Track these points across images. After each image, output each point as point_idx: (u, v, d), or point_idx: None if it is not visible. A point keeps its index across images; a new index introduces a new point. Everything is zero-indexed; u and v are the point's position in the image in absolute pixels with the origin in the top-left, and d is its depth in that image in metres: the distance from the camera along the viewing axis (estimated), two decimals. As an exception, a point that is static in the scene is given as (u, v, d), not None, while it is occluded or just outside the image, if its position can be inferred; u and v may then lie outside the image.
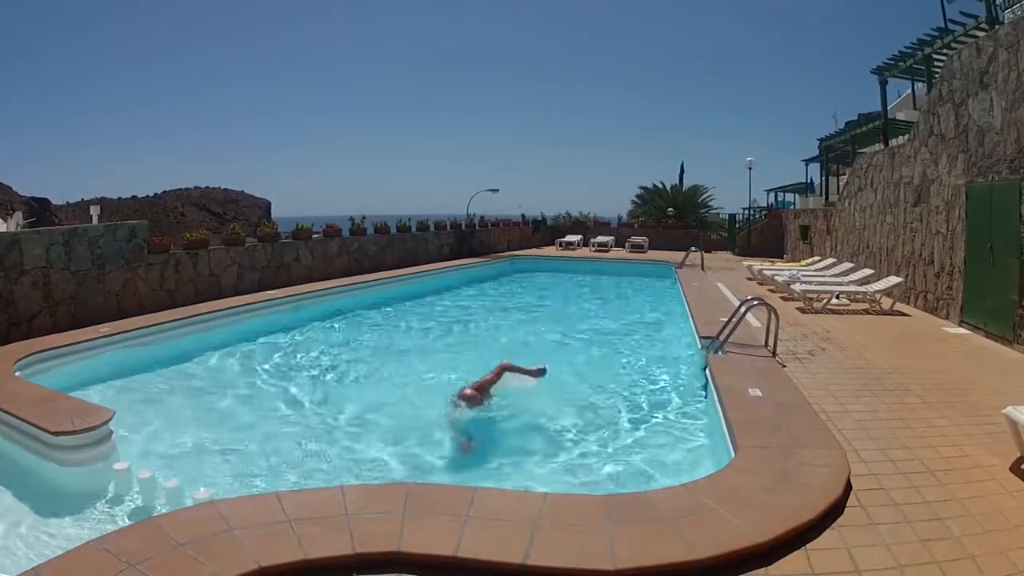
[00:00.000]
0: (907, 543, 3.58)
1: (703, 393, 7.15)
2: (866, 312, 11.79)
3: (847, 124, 23.35)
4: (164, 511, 4.29)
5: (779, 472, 4.36)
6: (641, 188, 34.81)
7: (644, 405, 7.29)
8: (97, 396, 7.04)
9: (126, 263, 10.55)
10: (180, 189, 44.62)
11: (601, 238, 26.15)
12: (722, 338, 8.08)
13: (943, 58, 14.38)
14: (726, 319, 8.37)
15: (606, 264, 22.50)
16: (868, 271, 13.82)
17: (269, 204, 46.86)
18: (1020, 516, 3.91)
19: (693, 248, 20.48)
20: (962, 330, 9.95)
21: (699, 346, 8.57)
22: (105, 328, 9.08)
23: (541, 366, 8.07)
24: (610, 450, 6.02)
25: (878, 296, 12.13)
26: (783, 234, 25.83)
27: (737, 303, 9.83)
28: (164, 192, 44.11)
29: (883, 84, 19.14)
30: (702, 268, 19.01)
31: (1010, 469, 4.61)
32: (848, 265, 15.29)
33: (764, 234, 26.76)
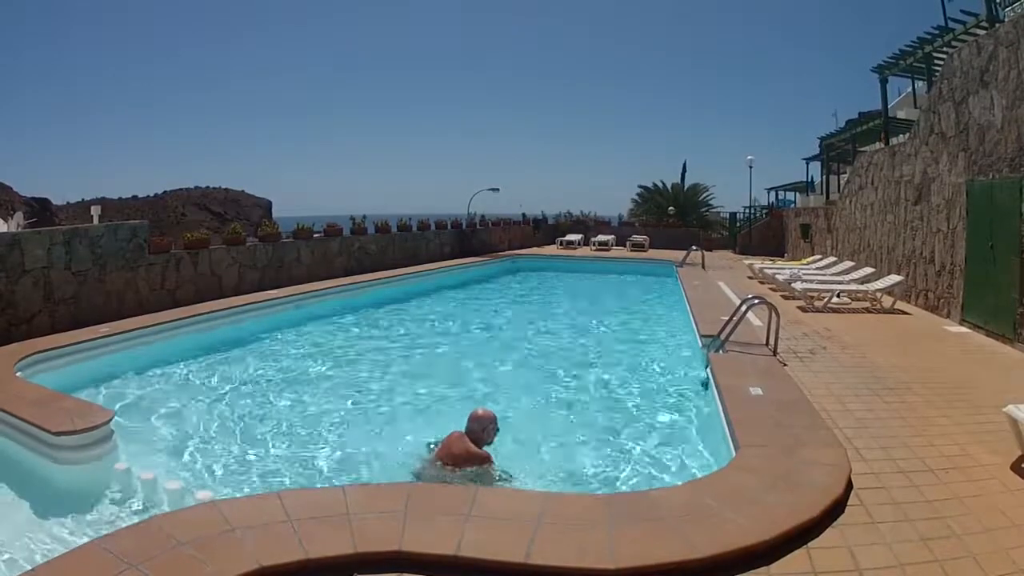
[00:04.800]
0: (908, 541, 3.58)
1: (704, 392, 7.14)
2: (867, 311, 11.78)
3: (848, 123, 23.34)
4: (165, 511, 4.29)
5: (780, 471, 4.36)
6: (641, 187, 34.89)
7: (645, 404, 7.29)
8: (98, 396, 7.05)
9: (127, 263, 10.56)
10: (181, 189, 44.65)
11: (602, 237, 26.14)
12: (723, 337, 8.08)
13: (943, 56, 14.37)
14: (727, 318, 8.36)
15: (607, 263, 22.51)
16: (869, 270, 13.81)
17: (270, 204, 46.87)
18: (1021, 514, 3.90)
19: (694, 247, 20.47)
20: (963, 329, 9.94)
21: (700, 345, 8.57)
22: (106, 328, 9.07)
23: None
24: (611, 449, 6.02)
25: (879, 295, 12.13)
26: (784, 233, 25.83)
27: (738, 302, 9.82)
28: (165, 192, 44.14)
29: (883, 82, 19.13)
30: (703, 267, 19.00)
31: (1011, 467, 4.61)
32: (849, 264, 15.29)
33: (765, 233, 26.75)
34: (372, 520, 3.63)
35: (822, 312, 11.59)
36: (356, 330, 11.70)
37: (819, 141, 26.34)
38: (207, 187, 45.41)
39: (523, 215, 28.81)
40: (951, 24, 15.00)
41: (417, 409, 7.27)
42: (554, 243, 27.27)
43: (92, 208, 14.81)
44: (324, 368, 8.92)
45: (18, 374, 7.03)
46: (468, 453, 5.23)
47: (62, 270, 9.53)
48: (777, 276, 14.50)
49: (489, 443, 5.41)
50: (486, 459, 5.23)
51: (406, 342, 10.85)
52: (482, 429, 5.33)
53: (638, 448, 6.00)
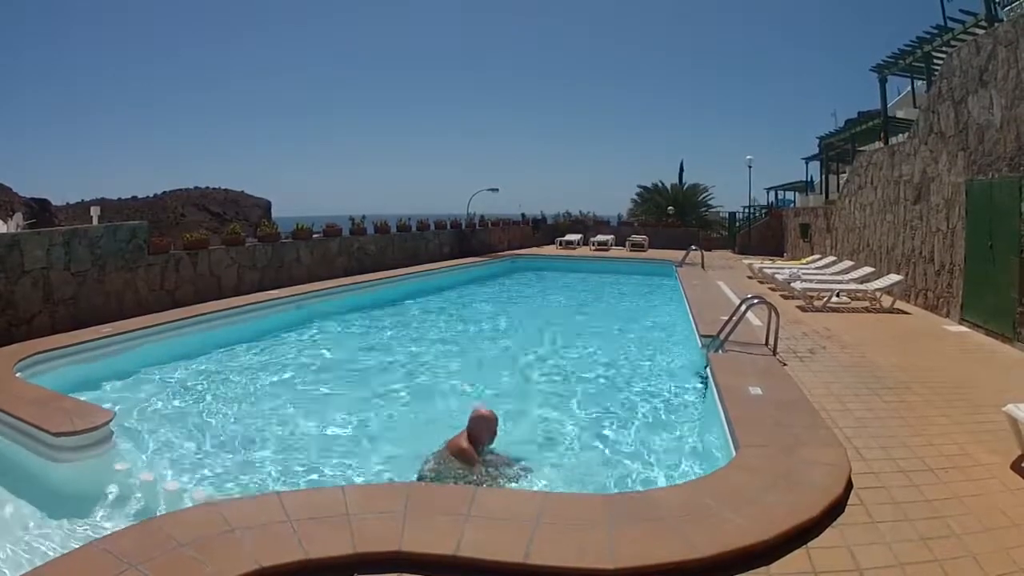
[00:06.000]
0: (908, 541, 3.58)
1: (704, 391, 7.14)
2: (866, 310, 11.78)
3: (847, 122, 23.34)
4: (165, 511, 4.29)
5: (780, 471, 4.36)
6: (640, 187, 34.86)
7: (644, 404, 7.29)
8: (97, 396, 7.04)
9: (126, 264, 10.55)
10: (180, 189, 44.52)
11: (601, 237, 26.15)
12: (723, 336, 8.08)
13: (943, 56, 14.38)
14: (726, 317, 8.37)
15: (606, 263, 22.52)
16: (868, 269, 13.81)
17: (269, 204, 46.73)
18: (1021, 514, 3.90)
19: (693, 247, 20.47)
20: (962, 328, 9.94)
21: (700, 344, 8.57)
22: (105, 328, 9.07)
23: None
24: (610, 449, 6.02)
25: (878, 294, 12.13)
26: (783, 232, 25.83)
27: (737, 301, 9.83)
28: (164, 192, 44.02)
29: (883, 82, 19.14)
30: (702, 267, 19.01)
31: (1011, 467, 4.61)
32: (848, 263, 15.29)
33: (764, 232, 26.75)
34: (371, 520, 3.63)
35: (821, 312, 11.59)
36: (356, 330, 11.70)
37: (818, 141, 26.36)
38: (206, 187, 45.28)
39: (522, 215, 28.83)
40: (950, 24, 15.00)
41: (417, 409, 7.27)
42: (553, 243, 27.27)
43: (91, 209, 14.83)
44: (324, 368, 8.91)
45: (18, 374, 7.03)
46: (458, 448, 5.23)
47: (61, 271, 9.52)
48: (776, 276, 14.50)
49: (487, 445, 5.40)
50: (471, 456, 5.19)
51: (406, 342, 10.84)
52: (479, 428, 5.31)
53: (637, 448, 6.00)
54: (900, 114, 19.74)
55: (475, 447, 5.25)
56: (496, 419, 5.43)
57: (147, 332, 9.28)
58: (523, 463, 5.50)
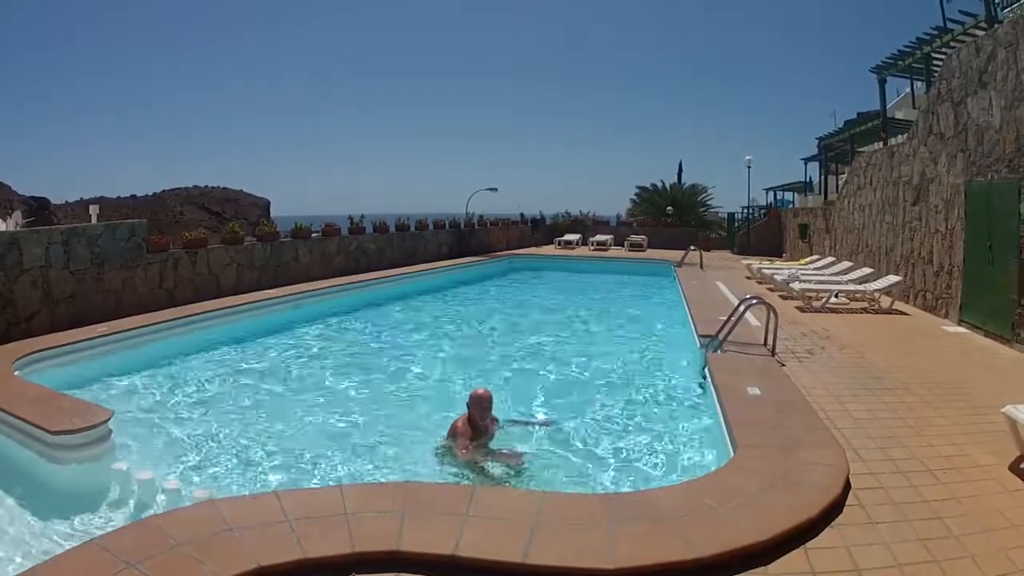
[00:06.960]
0: (906, 542, 3.59)
1: (702, 392, 7.15)
2: (865, 311, 11.79)
3: (846, 123, 23.37)
4: (163, 510, 4.29)
5: (778, 471, 4.36)
6: (639, 187, 34.83)
7: (643, 404, 7.29)
8: (96, 395, 7.03)
9: (125, 262, 10.54)
10: (179, 188, 44.39)
11: (600, 237, 26.16)
12: (721, 337, 8.08)
13: (942, 57, 14.39)
14: (725, 318, 8.37)
15: (605, 263, 22.53)
16: (867, 270, 13.82)
17: (268, 203, 46.64)
18: (1019, 515, 3.91)
19: (692, 247, 20.49)
20: (961, 329, 9.95)
21: (698, 345, 8.57)
22: (104, 327, 9.07)
23: (545, 419, 6.75)
24: (609, 449, 6.01)
25: (877, 295, 12.13)
26: (782, 233, 25.85)
27: (736, 302, 9.83)
28: (163, 191, 43.92)
29: (882, 83, 19.17)
30: (701, 267, 19.02)
31: (1009, 468, 4.61)
32: (847, 264, 15.30)
33: (763, 233, 26.78)
34: (370, 520, 3.63)
35: (820, 312, 11.60)
36: (354, 330, 11.69)
37: (818, 141, 26.38)
38: (206, 186, 45.18)
39: (521, 215, 28.81)
40: (950, 25, 15.03)
41: (416, 408, 7.27)
42: (552, 243, 27.27)
43: (90, 207, 14.82)
44: (321, 368, 8.91)
45: (16, 373, 7.02)
46: (453, 428, 5.54)
47: (60, 269, 9.51)
48: (775, 276, 14.50)
49: (487, 431, 5.61)
50: (463, 434, 5.43)
51: (404, 342, 10.83)
52: (473, 406, 5.58)
53: (636, 448, 6.00)
54: (899, 115, 19.78)
55: (473, 426, 5.54)
56: (488, 396, 5.68)
57: (145, 331, 9.28)
58: (523, 458, 5.60)
